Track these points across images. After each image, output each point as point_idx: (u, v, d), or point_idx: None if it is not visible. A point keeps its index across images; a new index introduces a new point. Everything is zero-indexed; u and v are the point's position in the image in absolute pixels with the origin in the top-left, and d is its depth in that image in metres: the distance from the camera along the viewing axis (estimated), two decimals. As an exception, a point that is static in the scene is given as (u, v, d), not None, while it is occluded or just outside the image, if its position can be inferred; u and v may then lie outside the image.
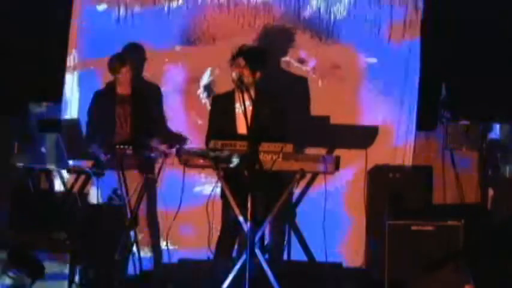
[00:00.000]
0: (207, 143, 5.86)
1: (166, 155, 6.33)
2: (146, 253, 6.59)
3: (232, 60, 5.99)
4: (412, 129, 6.98)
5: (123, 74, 6.54)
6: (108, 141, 6.38)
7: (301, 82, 6.99)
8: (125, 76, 6.55)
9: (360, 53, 7.03)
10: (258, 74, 6.00)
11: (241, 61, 5.94)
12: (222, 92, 6.38)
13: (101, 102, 6.62)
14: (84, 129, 6.64)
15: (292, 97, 6.74)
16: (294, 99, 6.79)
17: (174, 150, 6.11)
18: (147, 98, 6.74)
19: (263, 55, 6.15)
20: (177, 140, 6.70)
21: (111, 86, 6.67)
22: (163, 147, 6.27)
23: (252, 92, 5.92)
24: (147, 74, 7.07)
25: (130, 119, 6.56)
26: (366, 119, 7.00)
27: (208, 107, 6.58)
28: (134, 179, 6.38)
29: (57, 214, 6.20)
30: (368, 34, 7.03)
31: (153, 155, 6.28)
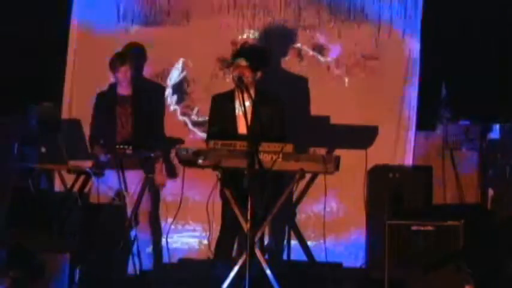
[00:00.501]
0: (207, 143, 5.86)
1: (165, 155, 6.33)
2: (146, 253, 6.58)
3: (233, 59, 5.91)
4: (412, 129, 6.97)
5: (123, 72, 6.52)
6: (110, 141, 6.38)
7: (301, 82, 6.96)
8: (124, 75, 6.53)
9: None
10: (258, 74, 5.95)
11: (242, 61, 5.85)
12: (222, 91, 6.24)
13: (103, 103, 6.62)
14: (84, 129, 6.65)
15: (292, 97, 6.72)
16: (294, 99, 6.77)
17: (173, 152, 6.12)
18: (148, 97, 6.72)
19: (265, 55, 6.05)
20: (174, 142, 6.69)
21: (113, 87, 6.67)
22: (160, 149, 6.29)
23: (252, 92, 5.89)
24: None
25: (132, 119, 6.55)
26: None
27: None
28: (134, 178, 6.38)
29: (57, 214, 6.20)
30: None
31: (153, 155, 6.28)
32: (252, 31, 6.38)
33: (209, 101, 5.92)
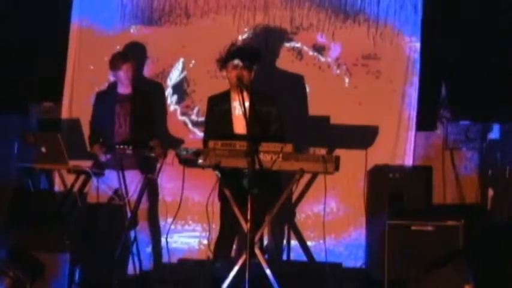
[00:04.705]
0: (204, 144, 5.86)
1: (165, 155, 6.33)
2: (146, 253, 6.57)
3: (224, 62, 5.88)
4: (412, 129, 6.97)
5: (125, 71, 6.50)
6: (108, 141, 6.38)
7: (298, 80, 6.95)
8: (126, 73, 6.51)
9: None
10: (253, 74, 5.95)
11: (238, 62, 5.85)
12: (218, 92, 6.21)
13: (102, 102, 6.61)
14: (83, 129, 6.65)
15: (290, 96, 6.73)
16: (291, 98, 6.78)
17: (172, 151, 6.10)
18: (148, 97, 6.71)
19: (256, 54, 6.04)
20: (174, 142, 6.69)
21: (112, 86, 6.66)
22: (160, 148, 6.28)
23: (249, 92, 5.88)
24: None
25: (130, 118, 6.55)
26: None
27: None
28: (134, 178, 6.38)
29: (57, 214, 6.20)
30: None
31: (152, 154, 6.27)
32: (251, 31, 6.45)
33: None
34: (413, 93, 6.95)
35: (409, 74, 6.92)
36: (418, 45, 6.90)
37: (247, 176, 5.46)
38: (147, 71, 6.56)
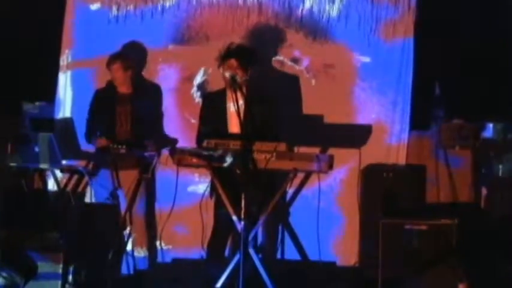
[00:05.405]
0: (198, 142, 5.85)
1: (159, 155, 6.32)
2: (140, 253, 6.57)
3: (222, 60, 5.95)
4: (406, 128, 6.98)
5: (114, 70, 6.52)
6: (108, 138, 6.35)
7: (293, 81, 7.00)
8: (115, 73, 6.52)
9: (353, 52, 7.03)
10: (248, 73, 5.97)
11: (233, 62, 5.90)
12: (213, 90, 6.40)
13: (102, 101, 6.60)
14: (79, 127, 6.63)
15: (285, 96, 6.75)
16: (286, 98, 6.80)
17: (167, 151, 6.11)
18: (148, 97, 6.71)
19: (253, 53, 6.12)
20: (170, 143, 6.67)
21: (112, 85, 6.65)
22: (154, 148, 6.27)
23: (244, 91, 5.88)
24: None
25: (131, 118, 6.54)
26: (360, 118, 7.00)
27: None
28: (128, 178, 6.36)
29: (51, 214, 6.18)
30: (361, 33, 7.04)
31: (147, 154, 6.26)
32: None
33: None
34: (406, 93, 6.98)
35: (402, 74, 6.97)
36: (411, 45, 6.95)
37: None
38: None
